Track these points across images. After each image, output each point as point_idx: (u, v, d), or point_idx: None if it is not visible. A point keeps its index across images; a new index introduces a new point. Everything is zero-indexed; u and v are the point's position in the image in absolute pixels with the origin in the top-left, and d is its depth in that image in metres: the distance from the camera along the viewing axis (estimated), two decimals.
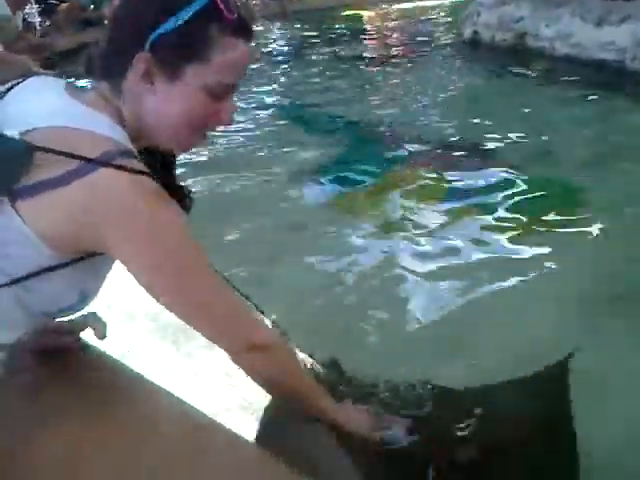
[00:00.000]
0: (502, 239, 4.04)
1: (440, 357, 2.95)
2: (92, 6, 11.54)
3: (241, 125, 6.67)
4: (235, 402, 2.63)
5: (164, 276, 1.27)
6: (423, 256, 3.92)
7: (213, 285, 1.33)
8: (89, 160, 1.17)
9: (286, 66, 9.60)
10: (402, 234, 4.20)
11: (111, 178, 1.18)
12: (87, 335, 1.69)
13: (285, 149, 6.00)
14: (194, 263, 1.30)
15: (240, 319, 1.38)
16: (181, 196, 1.42)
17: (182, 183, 1.49)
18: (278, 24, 13.83)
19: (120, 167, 1.18)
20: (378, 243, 4.10)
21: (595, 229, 4.06)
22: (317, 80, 8.47)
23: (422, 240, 4.11)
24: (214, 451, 1.33)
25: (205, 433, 1.39)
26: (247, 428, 2.01)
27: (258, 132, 6.57)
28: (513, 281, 3.55)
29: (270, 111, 7.36)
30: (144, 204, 1.21)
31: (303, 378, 1.56)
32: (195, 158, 5.68)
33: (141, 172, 1.22)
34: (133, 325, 2.82)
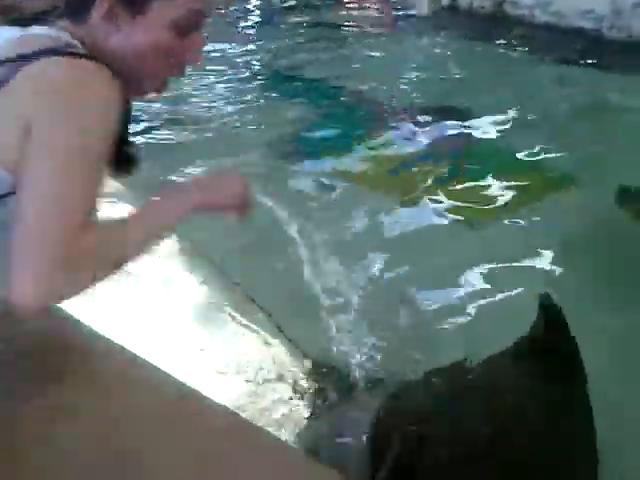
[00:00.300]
0: (486, 205, 4.14)
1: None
2: None
3: (220, 92, 6.61)
4: (213, 369, 2.65)
5: (51, 161, 1.15)
6: (407, 222, 4.00)
7: (76, 182, 1.15)
8: (31, 54, 1.16)
9: (265, 32, 9.43)
10: (386, 202, 4.27)
11: (50, 63, 1.16)
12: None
13: (265, 117, 5.94)
14: (84, 164, 1.16)
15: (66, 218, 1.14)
16: (129, 152, 1.37)
17: (131, 139, 1.41)
18: None
19: (62, 53, 1.17)
20: (363, 210, 4.15)
21: (573, 191, 4.20)
22: (296, 47, 8.32)
23: (408, 208, 4.19)
24: (193, 418, 1.33)
25: (184, 401, 1.38)
26: (224, 395, 2.01)
27: (236, 99, 6.47)
28: (505, 247, 3.69)
29: (248, 78, 7.24)
30: (78, 88, 1.17)
31: (132, 243, 1.26)
32: (176, 135, 5.63)
33: (84, 56, 1.20)
34: (111, 291, 2.81)
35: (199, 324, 3.00)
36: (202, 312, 3.09)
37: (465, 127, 5.40)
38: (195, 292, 3.23)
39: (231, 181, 1.39)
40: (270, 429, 2.14)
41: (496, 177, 4.46)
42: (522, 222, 3.90)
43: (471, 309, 3.19)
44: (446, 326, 3.08)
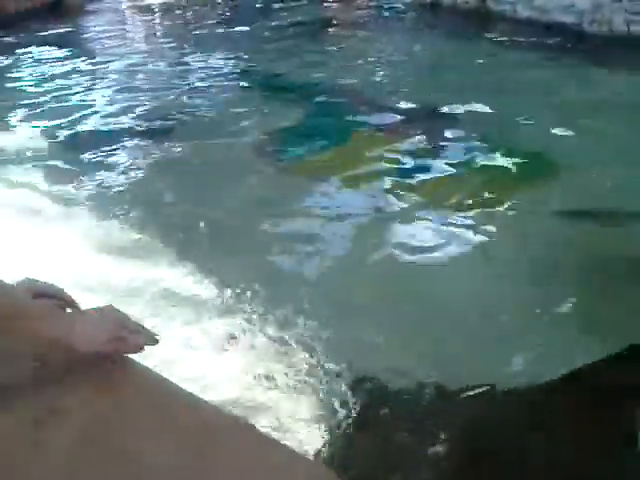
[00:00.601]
0: (466, 201, 4.14)
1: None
2: None
3: (205, 92, 6.62)
4: (198, 366, 2.66)
5: None
6: (386, 218, 4.00)
7: None
8: None
9: (249, 31, 9.41)
10: (362, 194, 4.32)
11: None
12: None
13: (248, 115, 5.92)
14: None
15: None
16: None
17: None
18: None
19: None
20: (335, 202, 4.22)
21: (557, 187, 4.21)
22: (279, 45, 8.32)
23: (386, 202, 4.20)
24: (180, 416, 1.32)
25: (170, 399, 1.37)
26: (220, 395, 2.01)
27: (221, 98, 6.47)
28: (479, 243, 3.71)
29: (233, 77, 7.22)
30: None
31: None
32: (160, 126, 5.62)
33: None
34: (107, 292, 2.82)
35: (196, 326, 3.01)
36: (199, 315, 3.10)
37: (445, 124, 5.41)
38: (193, 295, 3.26)
39: (106, 319, 1.33)
40: (267, 429, 2.17)
41: (495, 176, 4.49)
42: (519, 223, 3.91)
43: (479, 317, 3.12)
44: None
